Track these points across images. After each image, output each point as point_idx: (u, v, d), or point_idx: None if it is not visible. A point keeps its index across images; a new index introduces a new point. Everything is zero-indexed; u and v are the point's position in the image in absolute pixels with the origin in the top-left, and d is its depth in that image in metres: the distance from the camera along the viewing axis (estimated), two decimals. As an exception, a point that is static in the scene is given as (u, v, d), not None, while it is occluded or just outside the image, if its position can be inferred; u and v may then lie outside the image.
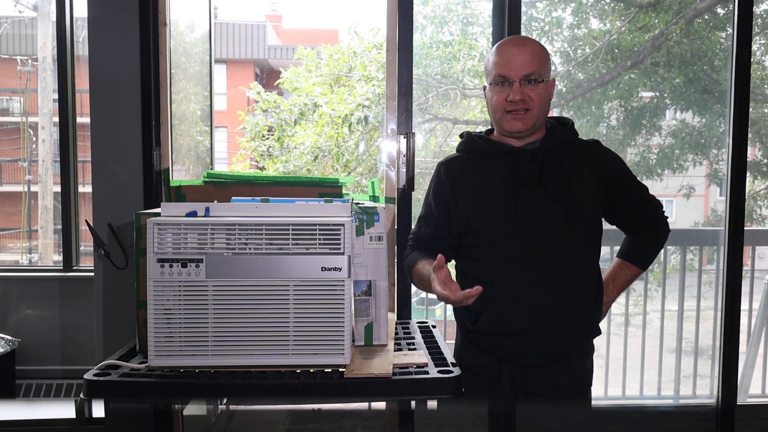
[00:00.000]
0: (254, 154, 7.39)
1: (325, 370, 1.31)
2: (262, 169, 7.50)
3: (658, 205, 1.62)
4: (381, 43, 7.05)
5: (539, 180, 1.49)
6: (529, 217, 1.47)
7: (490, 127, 1.67)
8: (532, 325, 1.48)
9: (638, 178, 1.64)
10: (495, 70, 1.49)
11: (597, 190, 1.51)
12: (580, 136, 1.60)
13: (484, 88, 1.58)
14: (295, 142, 7.00)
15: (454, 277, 1.61)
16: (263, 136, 7.31)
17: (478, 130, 1.65)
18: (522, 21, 2.25)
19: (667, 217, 1.62)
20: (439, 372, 1.33)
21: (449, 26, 6.46)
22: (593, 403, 1.63)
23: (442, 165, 1.61)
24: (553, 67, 5.59)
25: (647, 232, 1.62)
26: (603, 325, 1.63)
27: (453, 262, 1.64)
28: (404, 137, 1.97)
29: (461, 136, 1.64)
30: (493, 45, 2.29)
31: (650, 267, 1.68)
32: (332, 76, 7.23)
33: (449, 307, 4.22)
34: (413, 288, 2.08)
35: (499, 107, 1.50)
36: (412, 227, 1.95)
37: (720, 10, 5.27)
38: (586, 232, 1.51)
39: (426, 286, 1.48)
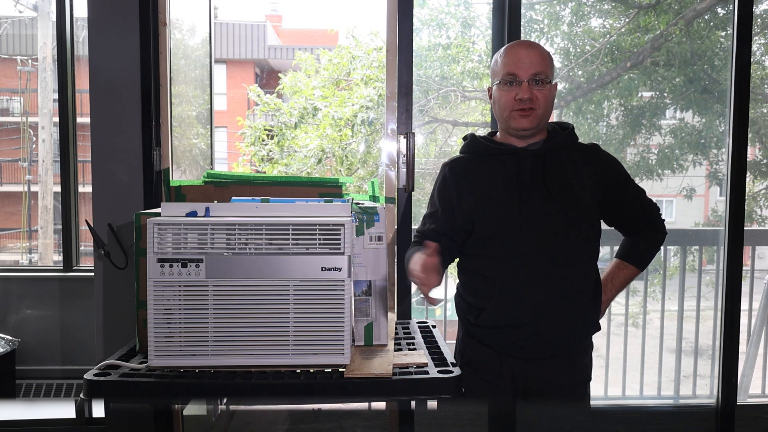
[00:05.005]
0: (254, 159, 7.38)
1: (325, 370, 1.31)
2: (261, 173, 7.49)
3: (655, 208, 1.67)
4: (380, 47, 7.06)
5: (542, 180, 1.53)
6: (532, 216, 1.51)
7: (490, 130, 1.70)
8: (532, 321, 1.51)
9: (638, 178, 1.68)
10: (504, 69, 1.53)
11: (596, 192, 1.56)
12: (579, 140, 1.64)
13: (489, 89, 1.61)
14: (297, 145, 7.00)
15: (456, 275, 1.63)
16: (263, 141, 7.31)
17: (479, 133, 1.68)
18: (522, 22, 2.26)
19: (663, 220, 1.67)
20: (439, 372, 1.33)
21: (447, 30, 6.45)
22: (593, 403, 1.65)
23: (447, 165, 1.65)
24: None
25: (645, 234, 1.67)
26: (603, 325, 1.65)
27: (457, 260, 1.67)
28: (404, 137, 1.97)
29: (464, 138, 1.67)
30: (492, 46, 2.31)
31: (651, 267, 1.72)
32: (332, 80, 7.24)
33: (449, 306, 4.22)
34: (413, 288, 2.08)
35: (507, 105, 1.53)
36: (412, 227, 1.95)
37: (720, 10, 5.27)
38: (585, 232, 1.56)
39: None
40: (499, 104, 1.55)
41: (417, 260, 1.39)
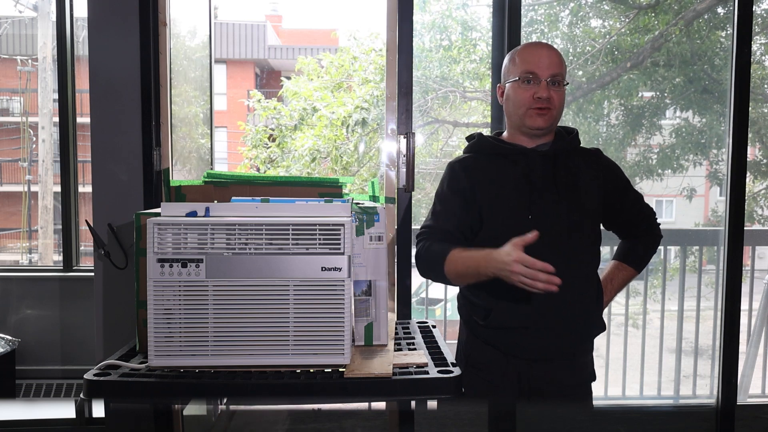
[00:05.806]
0: (256, 162, 7.38)
1: (325, 370, 1.31)
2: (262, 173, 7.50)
3: (652, 213, 1.70)
4: (380, 48, 7.06)
5: (553, 181, 1.53)
6: (542, 217, 1.51)
7: (491, 130, 1.70)
8: (539, 322, 1.51)
9: (639, 178, 1.70)
10: (523, 67, 1.52)
11: (598, 196, 1.58)
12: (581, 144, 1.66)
13: (500, 87, 1.60)
14: (295, 146, 7.02)
15: None
16: (265, 144, 7.32)
17: (485, 133, 1.67)
18: (522, 23, 2.26)
19: (659, 224, 1.70)
20: (439, 372, 1.33)
21: (450, 34, 6.45)
22: (594, 403, 1.65)
23: (456, 163, 1.63)
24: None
25: (643, 238, 1.69)
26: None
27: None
28: (404, 137, 1.97)
29: (470, 138, 1.66)
30: (492, 47, 2.31)
31: (651, 267, 1.73)
32: (333, 82, 7.26)
33: (449, 306, 4.22)
34: (413, 288, 2.08)
35: (524, 103, 1.53)
36: (412, 227, 1.94)
37: (720, 10, 5.27)
38: (587, 234, 1.57)
39: (471, 270, 1.45)
40: (515, 102, 1.54)
41: (513, 256, 1.32)
